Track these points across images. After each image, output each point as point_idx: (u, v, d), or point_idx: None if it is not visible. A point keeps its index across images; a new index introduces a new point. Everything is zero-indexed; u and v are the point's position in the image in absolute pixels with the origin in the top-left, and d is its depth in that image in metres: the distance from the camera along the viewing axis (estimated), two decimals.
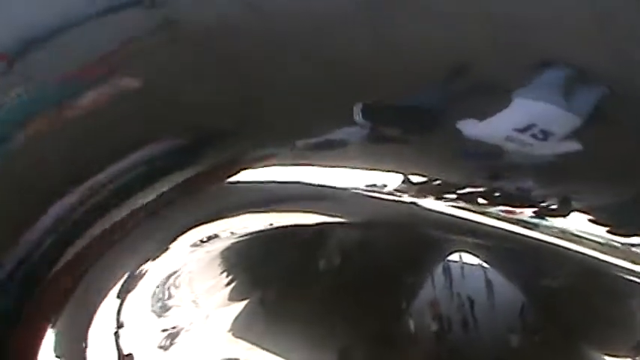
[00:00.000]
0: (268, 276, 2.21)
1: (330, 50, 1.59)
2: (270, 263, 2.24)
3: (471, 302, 2.33)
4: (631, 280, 1.94)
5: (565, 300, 2.25)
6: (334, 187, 1.79)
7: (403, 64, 1.61)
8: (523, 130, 1.47)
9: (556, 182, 1.58)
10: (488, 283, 2.38)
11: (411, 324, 2.24)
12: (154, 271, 1.90)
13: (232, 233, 1.99)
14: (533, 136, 1.48)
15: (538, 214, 1.65)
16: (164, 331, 1.95)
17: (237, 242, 2.00)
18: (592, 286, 2.22)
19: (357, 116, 1.55)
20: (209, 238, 1.90)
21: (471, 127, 1.48)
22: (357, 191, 1.80)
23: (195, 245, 1.88)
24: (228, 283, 2.09)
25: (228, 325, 2.10)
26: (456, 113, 1.58)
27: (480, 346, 2.22)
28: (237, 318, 2.12)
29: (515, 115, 1.48)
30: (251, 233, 1.99)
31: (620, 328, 2.13)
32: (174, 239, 1.81)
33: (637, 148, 1.47)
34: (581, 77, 1.54)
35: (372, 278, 2.32)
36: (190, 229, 1.83)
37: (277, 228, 2.16)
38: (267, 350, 2.13)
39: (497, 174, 1.63)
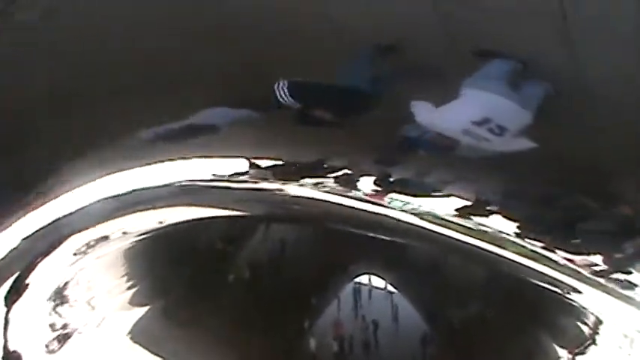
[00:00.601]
0: (174, 284, 2.14)
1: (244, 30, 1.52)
2: (177, 271, 2.18)
3: (376, 326, 2.32)
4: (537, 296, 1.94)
5: (467, 333, 2.26)
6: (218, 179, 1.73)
7: (334, 40, 1.57)
8: (480, 124, 1.44)
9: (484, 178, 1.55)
10: (394, 309, 2.37)
11: (312, 343, 2.21)
12: (43, 272, 1.81)
13: (125, 233, 1.92)
14: (490, 130, 1.44)
15: (462, 214, 1.62)
16: (55, 331, 1.86)
17: (138, 245, 1.93)
18: (496, 320, 2.24)
19: (283, 95, 1.51)
20: (97, 241, 1.82)
21: (423, 114, 1.44)
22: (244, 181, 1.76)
23: (84, 247, 1.79)
24: (130, 287, 2.02)
25: (127, 330, 2.02)
26: (399, 97, 1.53)
27: None
28: (137, 323, 2.04)
29: (469, 107, 1.45)
30: (147, 233, 1.92)
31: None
32: (60, 241, 1.72)
33: (577, 147, 1.45)
34: (527, 71, 1.51)
35: (278, 295, 2.28)
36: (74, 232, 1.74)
37: (182, 231, 2.11)
38: (164, 358, 2.06)
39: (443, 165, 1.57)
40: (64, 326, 1.83)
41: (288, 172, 1.61)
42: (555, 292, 1.62)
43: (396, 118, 1.51)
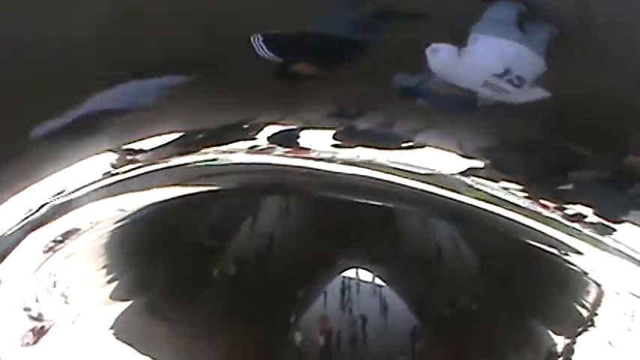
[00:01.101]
0: (156, 280, 2.11)
1: None
2: (159, 267, 2.15)
3: (364, 320, 2.28)
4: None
5: (458, 326, 2.22)
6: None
7: None
8: (501, 76, 1.36)
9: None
10: (383, 303, 2.34)
11: (298, 338, 2.17)
12: (13, 266, 1.77)
13: (93, 224, 1.87)
14: (510, 82, 1.36)
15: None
16: (30, 323, 1.82)
17: (117, 236, 1.89)
18: (488, 312, 2.20)
19: (262, 50, 1.43)
20: (67, 234, 1.78)
21: (439, 62, 1.35)
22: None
23: (55, 240, 1.75)
24: (110, 281, 1.98)
25: (109, 325, 1.99)
26: (390, 44, 1.45)
27: None
28: (119, 319, 2.00)
29: (489, 57, 1.36)
30: (120, 222, 1.88)
31: (509, 353, 2.11)
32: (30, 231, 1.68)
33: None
34: (531, 13, 1.42)
35: (264, 290, 2.24)
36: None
37: (164, 225, 2.08)
38: (149, 355, 2.02)
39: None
40: (40, 319, 1.79)
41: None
42: (552, 254, 1.55)
43: (389, 66, 1.42)
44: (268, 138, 1.52)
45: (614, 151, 1.36)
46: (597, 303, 1.77)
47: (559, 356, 1.90)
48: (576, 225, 1.44)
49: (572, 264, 1.57)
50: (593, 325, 1.81)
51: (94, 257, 1.90)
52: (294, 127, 1.49)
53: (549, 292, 1.95)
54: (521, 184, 1.45)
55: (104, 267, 1.94)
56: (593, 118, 1.33)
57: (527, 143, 1.41)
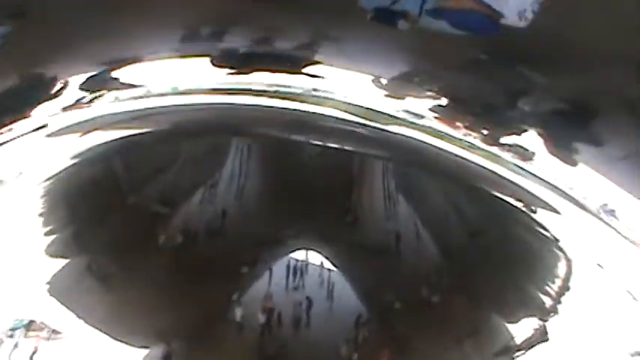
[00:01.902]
0: (99, 240, 2.04)
1: None
2: (105, 226, 2.07)
3: (310, 302, 2.22)
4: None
5: (403, 320, 2.17)
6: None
7: None
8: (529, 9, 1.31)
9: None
10: (331, 288, 2.28)
11: (238, 313, 2.11)
12: None
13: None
14: (533, 12, 1.32)
15: None
16: None
17: (58, 189, 1.82)
18: (441, 305, 2.15)
19: None
20: None
21: None
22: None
23: None
24: (48, 233, 1.91)
25: (45, 280, 1.90)
26: None
27: (310, 347, 2.10)
28: (56, 276, 1.92)
29: None
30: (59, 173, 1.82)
31: (455, 354, 2.06)
32: None
33: None
34: None
35: (209, 263, 2.18)
36: None
37: (109, 185, 2.01)
38: (83, 319, 1.94)
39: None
40: None
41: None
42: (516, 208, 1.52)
43: None
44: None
45: (572, 81, 1.32)
46: (562, 291, 1.74)
47: (516, 345, 1.87)
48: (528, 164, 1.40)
49: (539, 225, 1.53)
50: (556, 313, 1.77)
51: (29, 206, 1.83)
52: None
53: (511, 281, 1.91)
54: (472, 116, 1.41)
55: (41, 216, 1.86)
56: (553, 49, 1.30)
57: (480, 67, 1.38)
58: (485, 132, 1.42)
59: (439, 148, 1.51)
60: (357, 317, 2.16)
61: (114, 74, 1.49)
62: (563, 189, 1.42)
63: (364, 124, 1.53)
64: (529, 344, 1.90)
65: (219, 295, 2.16)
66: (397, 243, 2.29)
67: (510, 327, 1.95)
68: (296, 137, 1.86)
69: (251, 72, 1.47)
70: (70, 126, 1.62)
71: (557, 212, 1.55)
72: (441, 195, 2.15)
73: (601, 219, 1.52)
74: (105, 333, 1.89)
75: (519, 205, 1.64)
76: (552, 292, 1.85)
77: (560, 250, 1.76)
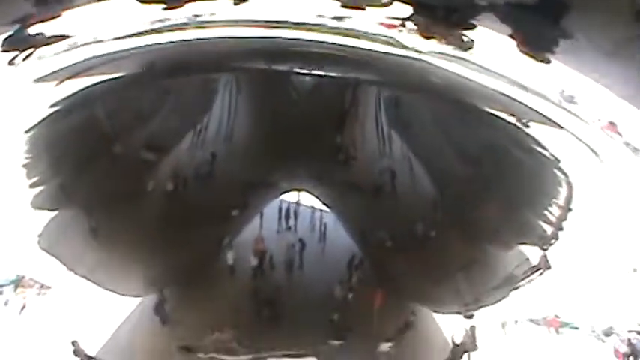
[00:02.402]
0: (88, 190, 2.01)
1: None
2: (92, 176, 2.05)
3: (302, 244, 2.21)
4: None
5: (396, 258, 2.15)
6: None
7: None
8: None
9: None
10: (323, 228, 2.26)
11: (230, 256, 2.10)
12: None
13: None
14: None
15: None
16: None
17: (42, 135, 1.79)
18: (436, 243, 2.13)
19: None
20: None
21: None
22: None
23: None
24: (34, 185, 1.88)
25: (34, 234, 1.89)
26: None
27: (304, 289, 2.10)
28: (47, 227, 1.90)
29: None
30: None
31: (447, 288, 2.05)
32: None
33: None
34: None
35: (199, 208, 2.16)
36: None
37: (96, 131, 1.97)
38: (72, 271, 1.93)
39: None
40: None
41: None
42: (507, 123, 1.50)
43: None
44: None
45: None
46: (563, 216, 1.72)
47: (516, 276, 1.86)
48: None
49: (536, 143, 1.51)
50: (557, 239, 1.75)
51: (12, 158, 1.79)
52: None
53: (510, 211, 1.89)
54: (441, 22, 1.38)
55: (25, 167, 1.83)
56: None
57: None
58: (452, 37, 1.38)
59: (423, 62, 1.47)
60: (350, 258, 2.15)
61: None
62: (553, 98, 1.37)
63: (344, 45, 1.49)
64: (530, 274, 1.88)
65: (210, 240, 2.14)
66: (392, 181, 2.26)
67: (509, 258, 1.93)
68: (279, 67, 1.82)
69: (183, 5, 1.43)
70: (46, 75, 1.58)
71: (553, 124, 1.51)
72: (434, 127, 2.11)
73: (599, 129, 1.48)
74: (95, 283, 1.88)
75: (512, 120, 1.60)
76: (553, 219, 1.82)
77: (561, 171, 1.71)
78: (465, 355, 1.95)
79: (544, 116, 1.54)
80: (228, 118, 2.24)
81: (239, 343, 1.99)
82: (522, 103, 1.54)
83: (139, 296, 1.99)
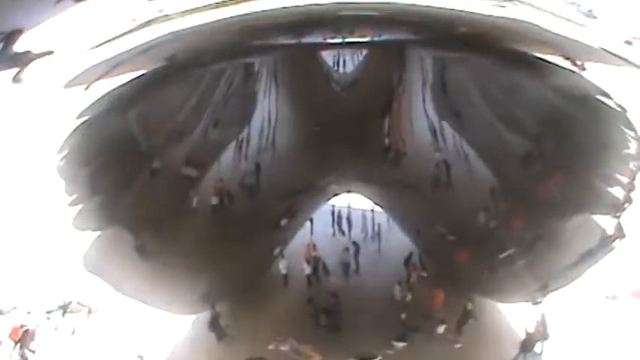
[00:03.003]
0: (129, 209, 1.96)
1: None
2: (133, 195, 1.99)
3: (357, 247, 2.11)
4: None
5: (455, 252, 2.05)
6: None
7: None
8: None
9: None
10: (377, 228, 2.16)
11: (282, 266, 2.02)
12: None
13: None
14: None
15: None
16: None
17: (75, 156, 1.74)
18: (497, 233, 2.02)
19: None
20: None
21: None
22: None
23: None
24: (72, 204, 1.83)
25: (78, 256, 1.83)
26: None
27: (363, 293, 2.00)
28: (88, 249, 1.85)
29: None
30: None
31: (511, 279, 1.93)
32: None
33: None
34: None
35: (246, 220, 2.09)
36: None
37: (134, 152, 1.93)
38: (121, 291, 1.88)
39: None
40: None
41: None
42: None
43: None
44: None
45: None
46: (634, 176, 1.58)
47: (588, 250, 1.72)
48: None
49: (597, 91, 1.39)
50: (630, 202, 1.62)
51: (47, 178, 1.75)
52: None
53: (575, 183, 1.76)
54: None
55: (62, 185, 1.78)
56: None
57: None
58: None
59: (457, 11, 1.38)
60: (407, 257, 2.05)
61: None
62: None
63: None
64: (605, 246, 1.73)
65: (260, 251, 2.07)
66: (447, 173, 2.13)
67: (579, 233, 1.79)
68: (308, 39, 1.73)
69: None
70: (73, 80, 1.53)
71: (614, 58, 1.37)
72: (484, 104, 1.99)
73: None
74: (144, 303, 1.82)
75: (567, 65, 1.47)
76: (625, 182, 1.67)
77: (628, 123, 1.57)
78: (538, 343, 1.83)
79: (605, 52, 1.41)
80: (269, 124, 2.18)
81: (299, 353, 1.91)
82: (576, 41, 1.42)
83: (192, 314, 1.92)
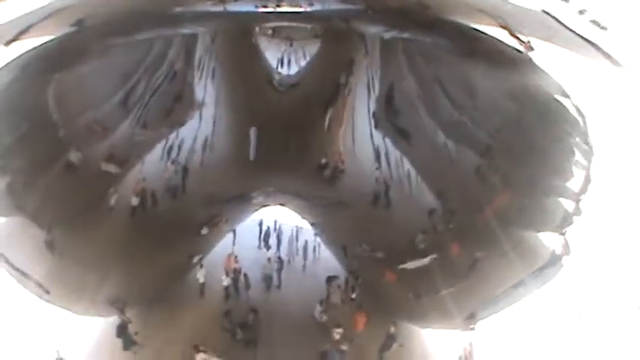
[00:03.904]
0: (41, 198, 1.82)
1: None
2: (45, 184, 1.85)
3: (281, 262, 2.01)
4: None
5: (383, 274, 1.97)
6: None
7: None
8: None
9: None
10: (304, 244, 2.07)
11: (200, 276, 1.90)
12: None
13: None
14: None
15: None
16: None
17: None
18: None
19: None
20: None
21: None
22: None
23: None
24: None
25: None
26: None
27: (283, 310, 1.90)
28: None
29: None
30: None
31: (435, 306, 1.87)
32: None
33: None
34: None
35: (166, 225, 1.97)
36: None
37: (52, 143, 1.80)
38: (26, 277, 1.74)
39: None
40: None
41: None
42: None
43: None
44: None
45: None
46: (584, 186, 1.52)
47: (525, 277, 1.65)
48: None
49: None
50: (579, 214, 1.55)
51: None
52: None
53: (516, 197, 1.69)
54: None
55: None
56: None
57: None
58: None
59: None
60: (331, 276, 1.96)
61: None
62: None
63: None
64: (552, 265, 1.66)
65: (178, 258, 1.95)
66: (386, 193, 2.05)
67: (520, 257, 1.71)
68: (239, 7, 1.63)
69: None
70: None
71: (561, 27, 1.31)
72: (432, 120, 1.92)
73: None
74: (47, 295, 1.68)
75: (515, 44, 1.40)
76: (574, 191, 1.60)
77: (580, 129, 1.49)
78: None
79: (549, 17, 1.34)
80: (200, 125, 2.06)
81: None
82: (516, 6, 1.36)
83: (98, 316, 1.79)
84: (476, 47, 1.50)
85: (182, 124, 2.09)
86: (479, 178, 1.80)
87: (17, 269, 1.63)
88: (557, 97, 1.44)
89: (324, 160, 2.09)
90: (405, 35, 1.72)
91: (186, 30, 1.78)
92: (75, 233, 1.80)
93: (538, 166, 1.61)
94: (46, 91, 1.65)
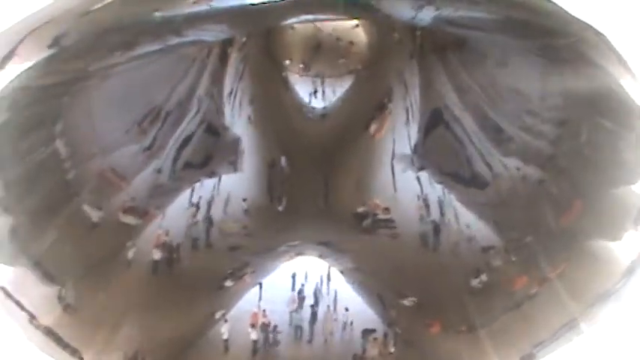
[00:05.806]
0: (52, 249, 1.69)
1: None
2: (66, 245, 1.73)
3: (313, 315, 1.85)
4: None
5: (425, 325, 1.79)
6: None
7: None
8: None
9: None
10: (334, 295, 1.90)
11: (225, 331, 1.75)
12: None
13: None
14: None
15: None
16: None
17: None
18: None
19: None
20: None
21: None
22: None
23: None
24: None
25: None
26: None
27: None
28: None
29: None
30: None
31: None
32: None
33: None
34: None
35: (188, 279, 1.83)
36: None
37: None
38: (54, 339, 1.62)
39: None
40: None
41: None
42: None
43: None
44: None
45: None
46: None
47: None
48: None
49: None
50: None
51: None
52: None
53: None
54: None
55: None
56: None
57: None
58: None
59: None
60: (366, 329, 1.80)
61: None
62: None
63: None
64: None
65: (201, 314, 1.81)
66: (436, 236, 1.87)
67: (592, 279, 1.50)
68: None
69: None
70: None
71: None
72: (480, 139, 1.75)
73: None
74: (55, 346, 1.56)
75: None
76: None
77: None
78: None
79: None
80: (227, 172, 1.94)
81: None
82: None
83: None
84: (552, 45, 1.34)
85: (219, 174, 1.99)
86: (545, 189, 1.59)
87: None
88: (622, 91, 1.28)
89: (361, 209, 1.95)
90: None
91: (191, 38, 1.66)
92: (87, 290, 1.67)
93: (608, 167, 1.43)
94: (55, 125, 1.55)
